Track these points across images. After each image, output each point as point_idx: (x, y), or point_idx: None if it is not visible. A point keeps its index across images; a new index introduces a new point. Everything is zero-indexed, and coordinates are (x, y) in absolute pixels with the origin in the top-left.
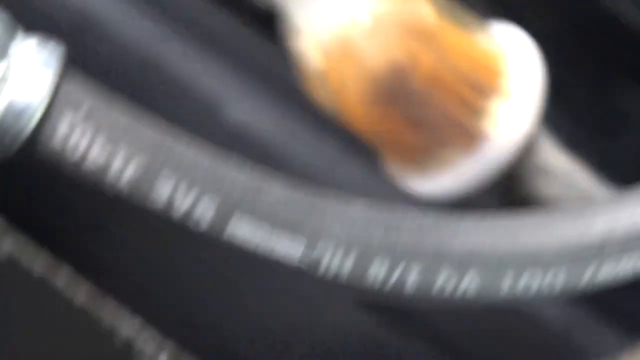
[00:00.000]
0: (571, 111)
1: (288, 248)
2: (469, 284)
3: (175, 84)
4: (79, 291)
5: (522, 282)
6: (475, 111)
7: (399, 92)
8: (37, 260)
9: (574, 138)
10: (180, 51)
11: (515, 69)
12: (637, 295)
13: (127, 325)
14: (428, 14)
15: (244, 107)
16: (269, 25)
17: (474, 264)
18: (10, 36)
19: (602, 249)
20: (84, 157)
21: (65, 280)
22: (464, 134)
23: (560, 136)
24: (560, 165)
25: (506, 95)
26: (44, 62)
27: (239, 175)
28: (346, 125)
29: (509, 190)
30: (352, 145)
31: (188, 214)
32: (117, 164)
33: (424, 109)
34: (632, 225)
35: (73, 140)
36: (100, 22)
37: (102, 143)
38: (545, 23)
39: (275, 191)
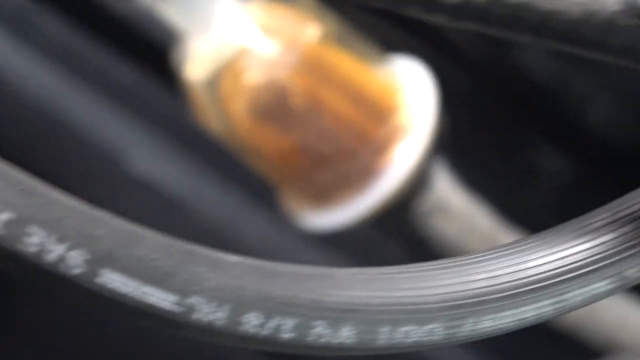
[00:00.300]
0: (480, 163)
1: (159, 299)
2: (346, 336)
3: (77, 136)
4: None
5: (400, 334)
6: (365, 139)
7: (277, 110)
8: None
9: (482, 189)
10: (83, 103)
11: (411, 103)
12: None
13: None
14: (314, 39)
15: (148, 159)
16: (170, 75)
17: (350, 317)
18: None
19: (481, 303)
20: None
21: None
22: (352, 161)
23: (469, 187)
24: (459, 205)
25: (399, 128)
26: None
27: (109, 226)
28: (237, 152)
29: (410, 230)
30: (257, 195)
31: (57, 265)
32: None
33: (306, 131)
34: (512, 278)
35: None
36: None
37: None
38: (454, 74)
39: (147, 242)
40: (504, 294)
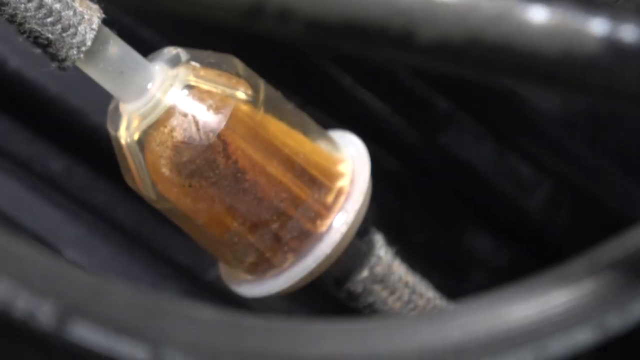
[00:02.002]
0: (420, 252)
1: (132, 352)
2: None
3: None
4: None
5: None
6: (299, 204)
7: (203, 169)
8: None
9: (425, 277)
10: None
11: (346, 169)
12: None
13: None
14: (244, 101)
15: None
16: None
17: None
18: None
19: (460, 352)
20: None
21: None
22: (285, 225)
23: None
24: (399, 275)
25: (335, 193)
26: None
27: (79, 278)
28: (170, 218)
29: (354, 299)
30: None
31: (28, 317)
32: None
33: (235, 192)
34: (490, 328)
35: None
36: None
37: None
38: (387, 159)
39: (119, 293)
40: (482, 344)
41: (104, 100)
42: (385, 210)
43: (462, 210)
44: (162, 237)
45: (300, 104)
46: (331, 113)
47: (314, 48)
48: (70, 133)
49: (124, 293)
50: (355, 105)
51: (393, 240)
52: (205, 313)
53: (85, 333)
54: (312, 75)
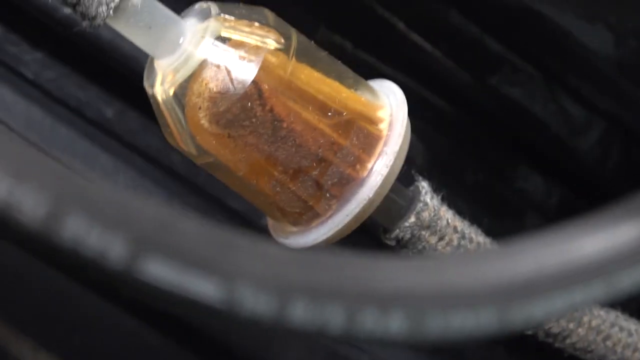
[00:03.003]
0: (471, 194)
1: (203, 288)
2: (395, 324)
3: None
4: None
5: (451, 324)
6: (338, 150)
7: (240, 119)
8: None
9: (474, 220)
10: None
11: (384, 114)
12: None
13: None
14: (275, 49)
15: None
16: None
17: (401, 303)
18: None
19: (531, 286)
20: None
21: None
22: (326, 171)
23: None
24: (447, 219)
25: (373, 139)
26: None
27: (151, 212)
28: (211, 172)
29: (403, 245)
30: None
31: (99, 254)
32: (22, 201)
33: (273, 140)
34: (561, 261)
35: None
36: None
37: (8, 178)
38: (437, 103)
39: (189, 228)
40: (554, 278)
41: None
42: (436, 153)
43: (514, 152)
44: (214, 183)
45: (352, 48)
46: (383, 57)
47: None
48: (122, 78)
49: (195, 227)
50: (407, 48)
51: (445, 182)
52: (277, 249)
53: (156, 269)
54: (364, 20)
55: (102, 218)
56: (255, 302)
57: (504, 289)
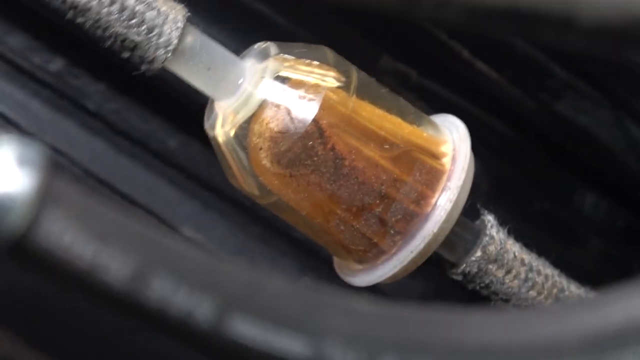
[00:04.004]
0: (537, 221)
1: (291, 346)
2: None
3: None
4: None
5: None
6: (401, 186)
7: (301, 158)
8: None
9: (539, 247)
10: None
11: (446, 149)
12: None
13: None
14: (335, 87)
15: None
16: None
17: (489, 359)
18: None
19: (622, 339)
20: (75, 256)
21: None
22: (389, 208)
23: (527, 246)
24: (514, 252)
25: (437, 174)
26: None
27: (235, 272)
28: (274, 212)
29: (470, 280)
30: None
31: (186, 314)
32: (109, 262)
33: (336, 178)
34: None
35: (64, 239)
36: None
37: (94, 241)
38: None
39: (275, 287)
40: None
41: None
42: (502, 180)
43: (579, 178)
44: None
45: (417, 76)
46: (448, 85)
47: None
48: (185, 109)
49: (281, 286)
50: (472, 76)
51: (511, 209)
52: (363, 305)
53: (244, 328)
54: (428, 48)
55: (189, 278)
56: (344, 359)
57: (594, 342)
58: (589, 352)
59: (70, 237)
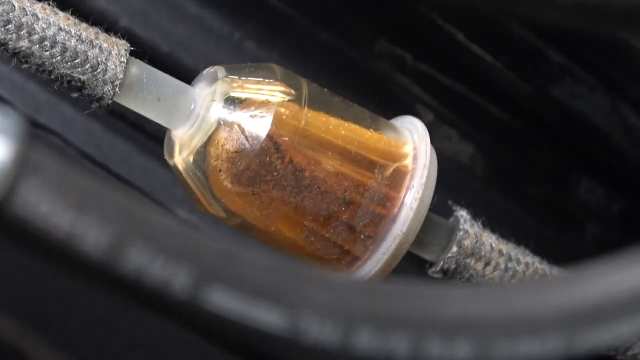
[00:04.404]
0: (532, 206)
1: (267, 317)
2: (461, 352)
3: None
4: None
5: (518, 351)
6: (364, 190)
7: (261, 174)
8: None
9: (534, 232)
10: None
11: (406, 149)
12: None
13: None
14: (285, 100)
15: None
16: None
17: (465, 331)
18: None
19: (598, 314)
20: (51, 225)
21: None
22: (355, 213)
23: (520, 231)
24: (491, 244)
25: (398, 174)
26: (6, 128)
27: (213, 244)
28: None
29: (450, 276)
30: None
31: (162, 284)
32: (86, 232)
33: (298, 191)
34: (630, 287)
35: (40, 208)
36: None
37: (71, 210)
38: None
39: (253, 258)
40: (621, 303)
41: (216, 57)
42: (497, 164)
43: (575, 163)
44: None
45: (412, 60)
46: (443, 69)
47: (428, 4)
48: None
49: (258, 258)
50: (468, 60)
51: (506, 193)
52: (342, 278)
53: (220, 299)
54: (424, 32)
55: (166, 248)
56: (320, 331)
57: (571, 315)
58: (565, 327)
59: (47, 207)
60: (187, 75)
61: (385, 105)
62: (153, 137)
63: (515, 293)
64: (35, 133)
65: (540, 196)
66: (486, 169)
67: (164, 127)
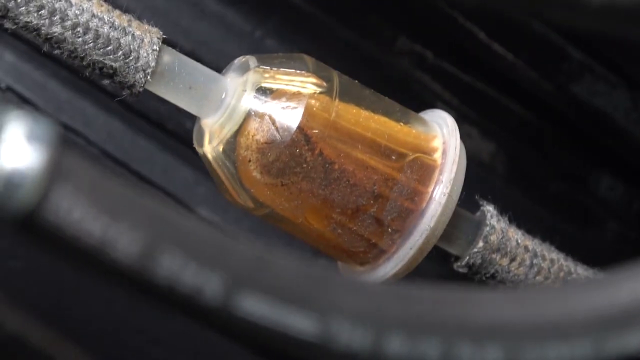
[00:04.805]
0: (553, 203)
1: (299, 323)
2: (490, 357)
3: None
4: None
5: (547, 355)
6: (393, 184)
7: (291, 166)
8: None
9: (554, 229)
10: None
11: (436, 144)
12: None
13: None
14: (317, 93)
15: None
16: None
17: (497, 336)
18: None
19: (628, 319)
20: (84, 232)
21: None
22: (384, 207)
23: (540, 228)
24: (517, 240)
25: (427, 169)
26: (39, 135)
27: (245, 250)
28: (270, 223)
29: (475, 271)
30: None
31: (195, 291)
32: (118, 238)
33: (327, 183)
34: None
35: (73, 214)
36: None
37: (103, 217)
38: (521, 118)
39: (284, 265)
40: None
41: (237, 54)
42: (518, 161)
43: (595, 160)
44: None
45: (433, 58)
46: (464, 66)
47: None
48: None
49: (289, 264)
50: (488, 58)
51: (527, 191)
52: (372, 284)
53: (253, 306)
54: (445, 29)
55: (198, 255)
56: (351, 337)
57: (600, 320)
58: (595, 332)
59: (79, 213)
60: None
61: (406, 102)
62: (174, 135)
63: (545, 297)
64: (68, 138)
65: (560, 194)
66: (507, 167)
67: (185, 126)
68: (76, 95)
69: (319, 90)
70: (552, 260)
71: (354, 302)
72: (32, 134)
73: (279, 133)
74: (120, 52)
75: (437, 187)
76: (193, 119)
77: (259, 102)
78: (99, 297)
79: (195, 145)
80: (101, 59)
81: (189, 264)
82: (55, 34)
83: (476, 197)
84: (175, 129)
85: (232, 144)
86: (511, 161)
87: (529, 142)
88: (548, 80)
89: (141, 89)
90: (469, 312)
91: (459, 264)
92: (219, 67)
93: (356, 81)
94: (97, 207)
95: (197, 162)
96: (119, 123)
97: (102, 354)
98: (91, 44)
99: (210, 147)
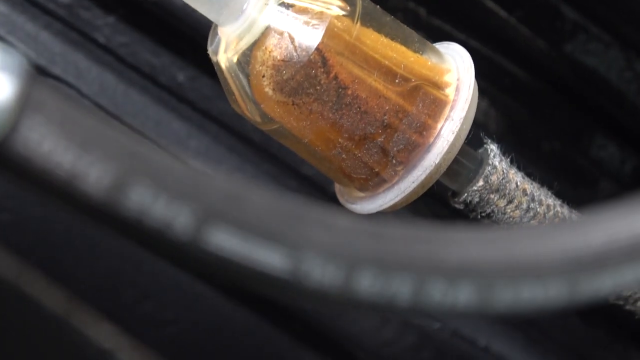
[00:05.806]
0: (546, 162)
1: (270, 258)
2: (463, 295)
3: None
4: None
5: (521, 295)
6: (404, 115)
7: (304, 86)
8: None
9: (547, 188)
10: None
11: (450, 79)
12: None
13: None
14: (340, 15)
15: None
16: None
17: (470, 275)
18: None
19: (601, 261)
20: (53, 163)
21: (38, 287)
22: (392, 137)
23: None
24: (516, 182)
25: (440, 104)
26: (9, 66)
27: (217, 183)
28: (276, 138)
29: (472, 209)
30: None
31: (165, 224)
32: (88, 170)
33: (338, 107)
34: (633, 234)
35: (43, 146)
36: None
37: (73, 149)
38: (515, 77)
39: (256, 199)
40: (624, 249)
41: None
42: (511, 120)
43: (589, 120)
44: (288, 149)
45: (426, 15)
46: (457, 23)
47: None
48: (195, 44)
49: (262, 198)
50: (482, 15)
51: (520, 150)
52: (344, 220)
53: (223, 240)
54: None
55: (169, 188)
56: (322, 272)
57: (573, 260)
58: (569, 272)
59: (49, 145)
60: None
61: None
62: (167, 88)
63: (519, 237)
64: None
65: (553, 153)
66: (499, 125)
67: (178, 79)
68: (69, 48)
69: (341, 12)
70: (548, 206)
71: (326, 238)
72: (2, 64)
73: (296, 52)
74: None
75: (447, 124)
76: (186, 72)
77: (280, 17)
78: (88, 248)
79: (210, 52)
80: None
81: (159, 197)
82: None
83: (481, 134)
84: (167, 83)
85: (247, 57)
86: (504, 119)
87: (522, 100)
88: (541, 38)
89: None
90: (442, 250)
91: (456, 199)
92: None
93: (378, 6)
94: (67, 139)
95: (190, 115)
96: (112, 76)
97: (89, 304)
98: None
99: (224, 57)
